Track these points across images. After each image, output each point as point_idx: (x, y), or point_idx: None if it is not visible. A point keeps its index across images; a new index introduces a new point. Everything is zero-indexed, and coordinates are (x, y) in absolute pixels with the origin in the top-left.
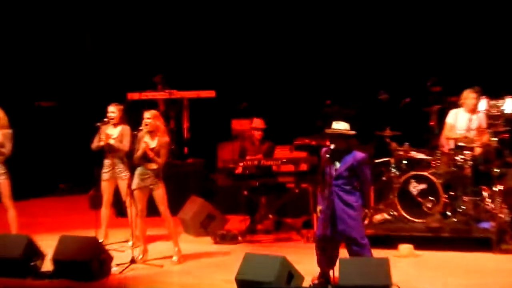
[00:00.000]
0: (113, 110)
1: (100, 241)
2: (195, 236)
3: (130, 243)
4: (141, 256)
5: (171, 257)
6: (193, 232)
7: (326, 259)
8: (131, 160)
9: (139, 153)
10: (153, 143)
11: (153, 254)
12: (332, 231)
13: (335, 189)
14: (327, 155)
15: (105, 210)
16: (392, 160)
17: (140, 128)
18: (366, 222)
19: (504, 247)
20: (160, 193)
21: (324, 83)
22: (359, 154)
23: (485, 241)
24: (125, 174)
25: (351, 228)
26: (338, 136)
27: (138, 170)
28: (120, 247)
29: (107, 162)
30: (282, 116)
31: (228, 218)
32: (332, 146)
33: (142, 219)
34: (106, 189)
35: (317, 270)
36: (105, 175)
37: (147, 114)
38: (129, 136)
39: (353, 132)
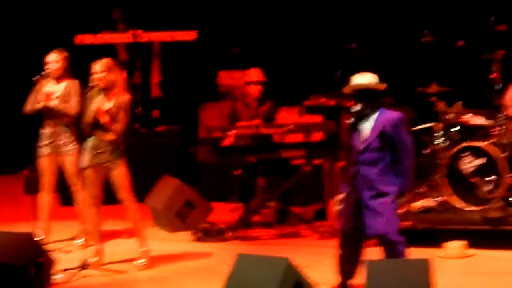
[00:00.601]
0: (54, 59)
1: (38, 238)
2: (169, 231)
3: (80, 241)
4: (95, 259)
5: (136, 259)
6: (167, 226)
7: (347, 260)
8: (80, 128)
9: (88, 118)
10: (108, 105)
11: (112, 256)
12: (357, 225)
13: (362, 168)
14: (348, 121)
15: (46, 196)
16: (439, 127)
17: (91, 84)
18: (402, 211)
19: None
20: (120, 173)
21: (346, 19)
22: (392, 114)
23: None
24: (72, 148)
25: (382, 221)
26: (365, 94)
27: (89, 142)
28: (67, 247)
29: (47, 131)
30: (288, 66)
31: (214, 207)
32: (354, 109)
33: (96, 209)
34: (46, 167)
35: (333, 276)
36: (45, 149)
37: (98, 66)
38: (77, 95)
39: (384, 85)
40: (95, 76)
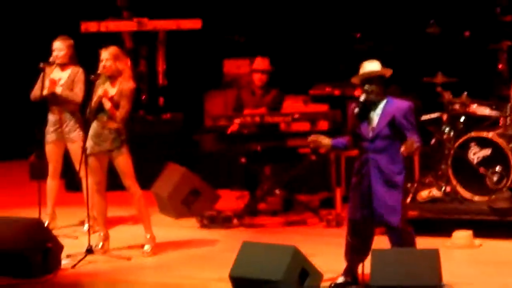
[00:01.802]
0: (60, 47)
1: (45, 224)
2: (174, 217)
3: (85, 227)
4: (100, 245)
5: (142, 246)
6: (172, 213)
7: (355, 249)
8: (86, 114)
9: (94, 104)
10: (112, 91)
11: (117, 243)
12: (365, 213)
13: (372, 155)
14: (357, 110)
15: (52, 182)
16: (445, 117)
17: (98, 72)
18: (409, 200)
19: None
20: (123, 161)
21: (351, 8)
22: (402, 102)
23: None
24: (77, 134)
25: (392, 209)
26: (374, 81)
27: (93, 129)
28: (73, 233)
29: (52, 118)
30: (293, 55)
31: (220, 194)
32: (362, 97)
33: (100, 195)
34: (52, 154)
35: (341, 265)
36: (51, 135)
37: (105, 54)
38: (82, 82)
39: (390, 70)
40: (102, 63)
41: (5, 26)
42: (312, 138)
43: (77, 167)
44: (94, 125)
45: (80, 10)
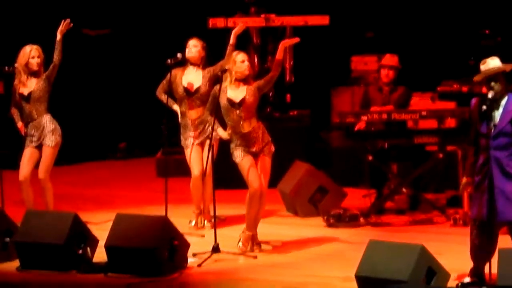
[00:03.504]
0: (196, 44)
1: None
2: (301, 216)
3: (193, 222)
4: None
5: (266, 243)
6: (299, 211)
7: (481, 249)
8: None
9: None
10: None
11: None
12: (490, 212)
13: (494, 153)
14: (482, 107)
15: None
16: None
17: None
18: None
19: None
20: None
21: (478, 5)
22: None
23: None
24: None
25: None
26: (498, 78)
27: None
28: (199, 229)
29: (188, 121)
30: (421, 52)
31: (346, 192)
32: (490, 95)
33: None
34: (194, 156)
35: (468, 264)
36: (191, 139)
37: (240, 56)
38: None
39: (510, 66)
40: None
41: (135, 23)
42: None
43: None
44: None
45: (208, 6)
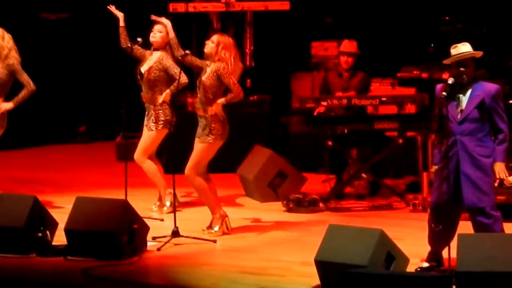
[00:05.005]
0: (160, 30)
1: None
2: (260, 200)
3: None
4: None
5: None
6: (258, 196)
7: (440, 235)
8: None
9: None
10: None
11: (201, 224)
12: (452, 198)
13: (460, 138)
14: (444, 93)
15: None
16: None
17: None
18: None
19: None
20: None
21: None
22: (491, 86)
23: None
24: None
25: (480, 193)
26: (467, 63)
27: None
28: (157, 213)
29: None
30: (381, 38)
31: (306, 177)
32: (451, 80)
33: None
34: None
35: (426, 249)
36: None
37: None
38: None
39: (481, 52)
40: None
41: (96, 7)
42: None
43: None
44: None
45: None
